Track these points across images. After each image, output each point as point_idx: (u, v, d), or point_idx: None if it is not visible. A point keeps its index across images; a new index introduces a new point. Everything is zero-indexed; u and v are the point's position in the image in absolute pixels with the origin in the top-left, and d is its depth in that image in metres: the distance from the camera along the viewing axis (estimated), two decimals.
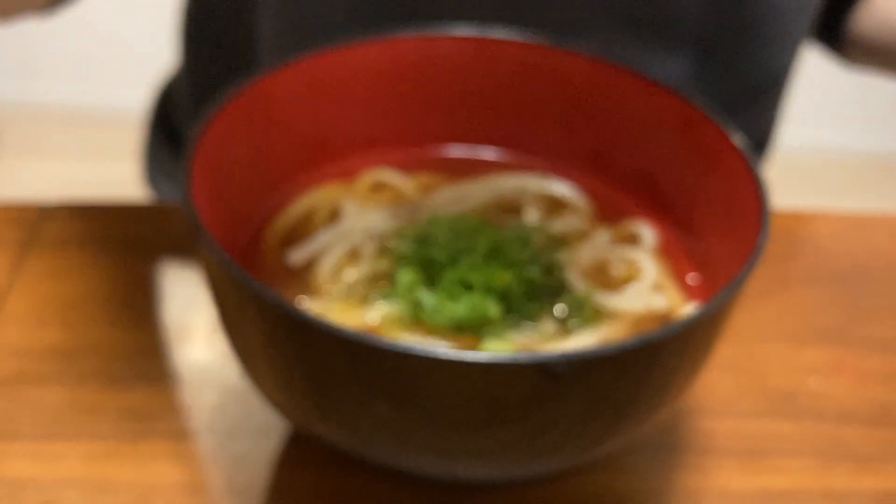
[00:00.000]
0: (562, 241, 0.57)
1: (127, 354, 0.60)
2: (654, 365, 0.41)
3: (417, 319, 0.50)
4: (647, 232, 0.59)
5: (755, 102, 0.88)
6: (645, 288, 0.55)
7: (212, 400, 0.58)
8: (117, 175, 1.92)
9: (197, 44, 0.96)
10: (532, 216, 0.59)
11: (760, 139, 0.94)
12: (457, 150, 0.64)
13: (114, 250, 0.69)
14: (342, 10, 0.79)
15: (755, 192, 0.49)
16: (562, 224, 0.59)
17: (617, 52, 0.81)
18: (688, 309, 0.54)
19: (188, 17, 0.97)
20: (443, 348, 0.45)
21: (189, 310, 0.65)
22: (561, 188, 0.62)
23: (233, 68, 0.93)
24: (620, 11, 0.79)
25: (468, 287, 0.50)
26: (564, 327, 0.52)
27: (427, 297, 0.50)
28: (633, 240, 0.59)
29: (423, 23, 0.78)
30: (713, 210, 0.55)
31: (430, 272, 0.51)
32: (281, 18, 0.82)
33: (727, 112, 0.87)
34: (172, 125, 1.05)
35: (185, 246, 0.70)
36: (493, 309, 0.50)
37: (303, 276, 0.54)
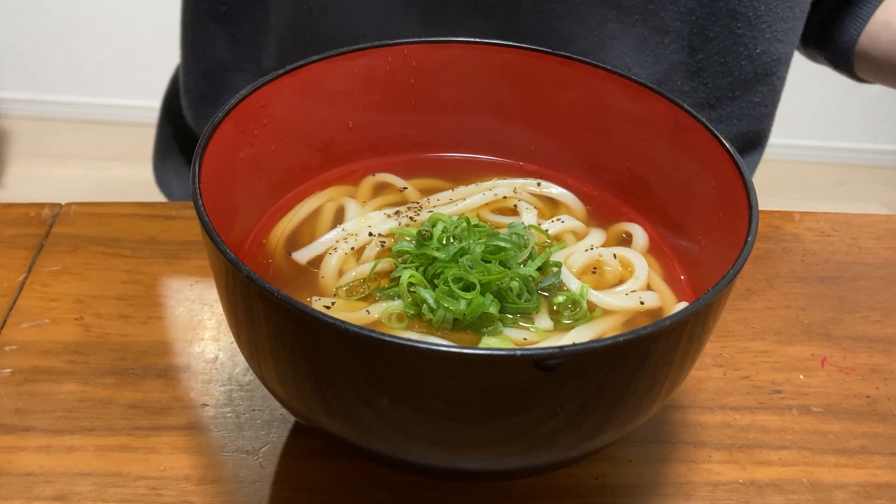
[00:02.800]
0: (557, 242, 0.58)
1: (137, 350, 0.62)
2: (645, 360, 0.42)
3: (418, 316, 0.51)
4: (640, 233, 0.60)
5: (750, 92, 0.87)
6: (637, 287, 0.56)
7: (219, 394, 0.59)
8: (128, 176, 1.92)
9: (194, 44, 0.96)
10: (528, 217, 0.60)
11: (756, 131, 0.93)
12: (455, 155, 0.66)
13: (124, 249, 0.70)
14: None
15: (743, 194, 0.50)
16: (557, 225, 0.60)
17: (611, 42, 0.81)
18: (678, 306, 0.55)
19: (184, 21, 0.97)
20: (442, 344, 0.45)
21: (197, 307, 0.66)
22: (555, 190, 0.63)
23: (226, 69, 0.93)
24: (614, 2, 0.79)
25: (467, 286, 0.51)
26: (559, 324, 0.53)
27: (427, 295, 0.51)
28: (625, 240, 0.60)
29: (421, 21, 0.79)
30: (703, 211, 0.55)
31: (431, 271, 0.52)
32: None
33: (722, 101, 0.88)
34: (181, 124, 1.06)
35: (193, 245, 0.71)
36: (490, 306, 0.51)
37: (308, 275, 0.55)
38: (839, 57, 0.90)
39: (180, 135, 1.08)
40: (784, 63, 0.87)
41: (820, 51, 0.93)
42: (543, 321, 0.53)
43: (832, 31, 0.89)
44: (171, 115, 1.09)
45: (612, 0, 0.79)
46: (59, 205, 0.74)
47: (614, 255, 0.58)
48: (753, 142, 0.94)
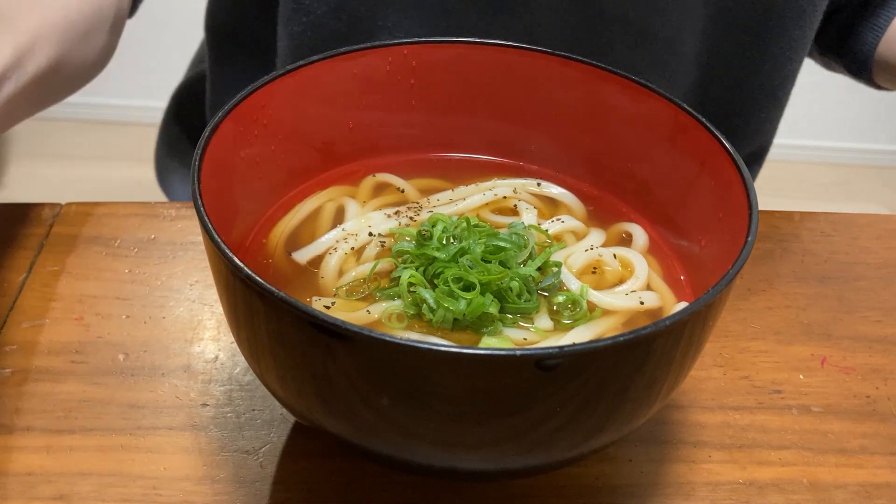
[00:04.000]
0: (557, 242, 0.58)
1: (137, 350, 0.62)
2: (645, 360, 0.42)
3: (418, 316, 0.51)
4: (640, 233, 0.60)
5: (757, 107, 0.88)
6: (637, 287, 0.56)
7: (219, 394, 0.59)
8: (128, 176, 1.92)
9: (222, 52, 0.97)
10: (528, 217, 0.60)
11: (761, 144, 0.94)
12: (455, 155, 0.66)
13: (124, 249, 0.70)
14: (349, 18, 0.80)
15: (743, 194, 0.50)
16: (557, 225, 0.60)
17: (635, 70, 0.81)
18: (678, 306, 0.55)
19: (213, 26, 0.98)
20: (442, 344, 0.45)
21: (197, 307, 0.66)
22: (555, 190, 0.63)
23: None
24: (630, 23, 0.79)
25: (467, 286, 0.51)
26: (559, 324, 0.53)
27: (427, 295, 0.51)
28: (625, 240, 0.60)
29: (435, 22, 0.79)
30: (703, 211, 0.55)
31: (431, 271, 0.52)
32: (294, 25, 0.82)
33: (730, 118, 0.88)
34: (191, 125, 1.06)
35: (193, 245, 0.71)
36: (490, 306, 0.51)
37: (308, 275, 0.55)
38: (857, 66, 0.90)
39: (191, 135, 1.08)
40: (790, 79, 0.88)
41: (838, 60, 0.93)
42: (543, 321, 0.52)
43: (849, 41, 0.89)
44: (180, 116, 1.09)
45: (638, 29, 0.79)
46: (59, 205, 0.74)
47: (614, 255, 0.58)
48: (756, 155, 0.95)
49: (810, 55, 0.97)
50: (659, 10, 0.78)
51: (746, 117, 0.88)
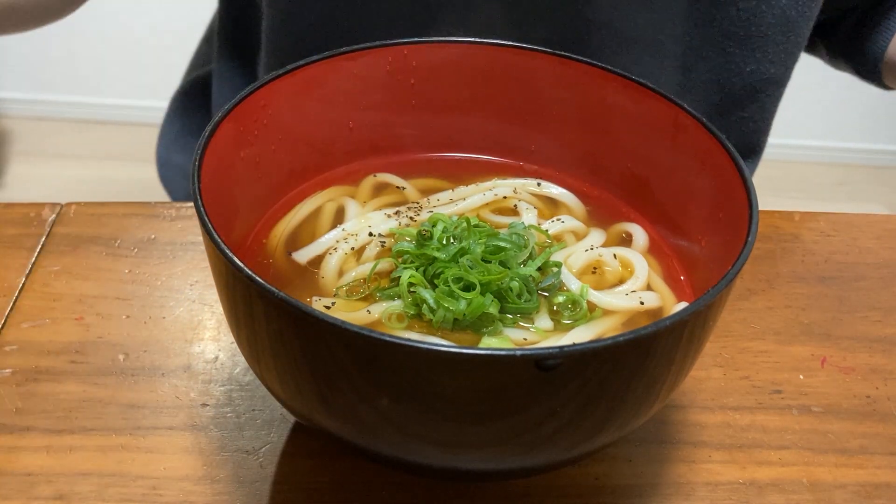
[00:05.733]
0: (557, 242, 0.58)
1: (137, 350, 0.62)
2: (645, 360, 0.42)
3: (418, 316, 0.51)
4: (640, 233, 0.60)
5: (739, 108, 0.89)
6: (637, 287, 0.56)
7: (219, 394, 0.59)
8: (128, 176, 1.92)
9: (229, 58, 0.98)
10: (528, 217, 0.60)
11: (747, 144, 0.94)
12: (455, 155, 0.66)
13: (124, 249, 0.70)
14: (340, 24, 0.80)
15: (743, 194, 0.50)
16: (557, 225, 0.60)
17: (611, 66, 0.82)
18: (678, 306, 0.55)
19: (222, 32, 0.98)
20: (442, 344, 0.45)
21: (197, 307, 0.66)
22: (555, 190, 0.63)
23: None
24: (615, 29, 0.80)
25: (467, 286, 0.51)
26: (559, 324, 0.53)
27: (427, 295, 0.51)
28: (625, 240, 0.60)
29: (423, 34, 0.80)
30: (703, 211, 0.56)
31: (431, 271, 0.52)
32: (280, 34, 0.83)
33: (711, 118, 0.88)
34: (191, 126, 1.07)
35: (193, 245, 0.71)
36: (490, 306, 0.51)
37: (308, 275, 0.55)
38: (866, 68, 0.91)
39: (195, 132, 1.08)
40: (775, 84, 0.89)
41: (847, 62, 0.94)
42: (543, 321, 0.53)
43: (859, 44, 0.90)
44: (185, 109, 1.09)
45: (622, 34, 0.80)
46: (59, 205, 0.74)
47: (614, 255, 0.58)
48: (745, 154, 0.95)
49: (819, 55, 0.98)
50: (643, 15, 0.79)
51: (728, 117, 0.89)
